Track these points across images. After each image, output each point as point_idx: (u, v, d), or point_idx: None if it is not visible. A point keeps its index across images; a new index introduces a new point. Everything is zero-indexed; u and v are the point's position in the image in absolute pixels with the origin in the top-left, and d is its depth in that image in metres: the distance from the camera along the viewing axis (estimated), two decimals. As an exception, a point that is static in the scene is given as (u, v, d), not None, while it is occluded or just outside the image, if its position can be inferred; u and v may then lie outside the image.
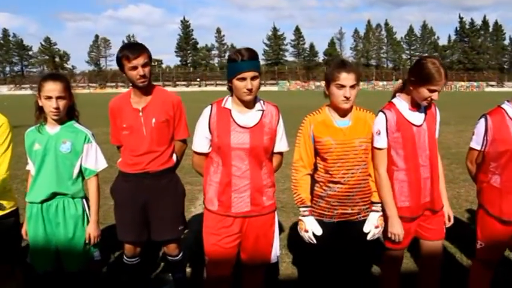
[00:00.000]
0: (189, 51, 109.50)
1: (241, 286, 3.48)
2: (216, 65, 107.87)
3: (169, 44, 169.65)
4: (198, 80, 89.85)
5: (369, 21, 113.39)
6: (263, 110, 3.12)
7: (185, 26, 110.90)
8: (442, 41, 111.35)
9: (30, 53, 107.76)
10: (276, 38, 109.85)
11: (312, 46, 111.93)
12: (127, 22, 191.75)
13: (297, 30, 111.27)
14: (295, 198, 3.29)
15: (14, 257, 3.37)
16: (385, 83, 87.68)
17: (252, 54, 2.97)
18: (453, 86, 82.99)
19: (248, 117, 3.09)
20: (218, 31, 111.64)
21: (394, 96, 3.36)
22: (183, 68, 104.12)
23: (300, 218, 3.28)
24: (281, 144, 3.22)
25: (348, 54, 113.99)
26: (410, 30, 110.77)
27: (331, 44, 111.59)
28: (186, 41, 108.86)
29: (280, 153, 3.30)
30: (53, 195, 3.28)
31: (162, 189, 3.57)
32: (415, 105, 3.24)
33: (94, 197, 3.40)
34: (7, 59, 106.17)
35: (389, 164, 3.26)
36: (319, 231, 3.21)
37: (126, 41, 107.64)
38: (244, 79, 2.93)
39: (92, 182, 3.42)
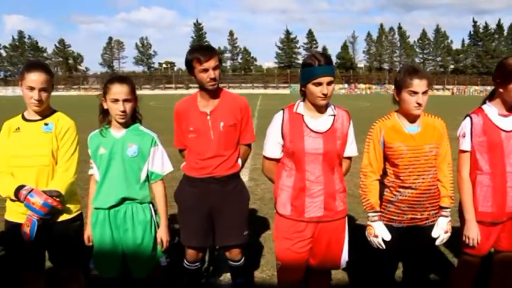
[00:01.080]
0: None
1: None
2: (228, 67, 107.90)
3: (182, 46, 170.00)
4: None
5: (381, 25, 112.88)
6: (335, 115, 3.13)
7: (198, 28, 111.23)
8: (456, 45, 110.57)
9: (45, 54, 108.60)
10: (288, 41, 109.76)
11: (324, 49, 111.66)
12: (139, 25, 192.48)
13: (310, 34, 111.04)
14: (364, 203, 3.29)
15: (78, 261, 3.38)
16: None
17: (328, 59, 2.99)
18: (466, 90, 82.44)
19: (320, 122, 3.10)
20: (231, 34, 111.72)
21: (484, 103, 3.37)
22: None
23: (369, 223, 3.28)
24: (351, 149, 3.23)
25: (360, 57, 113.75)
26: (423, 34, 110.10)
27: (344, 47, 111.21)
28: (198, 44, 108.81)
29: (350, 158, 3.31)
30: (122, 201, 3.23)
31: (228, 195, 3.56)
32: (508, 111, 3.25)
33: (162, 201, 3.35)
34: (22, 60, 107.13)
35: (473, 168, 3.27)
36: (388, 237, 3.21)
37: (139, 44, 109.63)
38: (320, 84, 2.95)
39: (159, 186, 3.36)
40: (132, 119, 3.33)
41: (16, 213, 3.17)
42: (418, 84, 3.09)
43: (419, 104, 3.10)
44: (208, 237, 3.63)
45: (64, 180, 3.17)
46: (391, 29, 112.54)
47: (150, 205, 3.33)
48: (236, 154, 3.62)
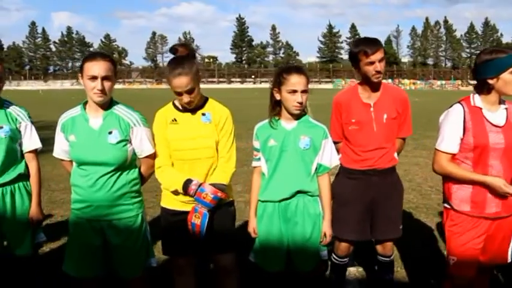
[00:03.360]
0: (244, 48, 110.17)
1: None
2: (271, 62, 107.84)
3: (222, 41, 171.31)
4: (253, 77, 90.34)
5: (427, 19, 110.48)
6: (506, 108, 3.02)
7: (240, 23, 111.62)
8: (506, 38, 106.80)
9: (91, 49, 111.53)
10: (331, 35, 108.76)
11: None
12: (180, 20, 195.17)
13: (353, 28, 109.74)
14: None
15: (236, 247, 3.29)
16: (443, 82, 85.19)
17: None
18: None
19: (497, 116, 2.98)
20: (273, 28, 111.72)
21: None
22: (237, 64, 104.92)
23: None
24: None
25: (404, 52, 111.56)
26: (471, 27, 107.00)
27: (388, 41, 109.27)
28: (241, 38, 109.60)
29: None
30: (294, 194, 3.16)
31: (389, 187, 3.49)
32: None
33: (328, 195, 3.27)
34: (70, 55, 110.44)
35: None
36: None
37: (182, 38, 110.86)
38: None
39: (325, 179, 3.27)
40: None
41: (176, 201, 3.14)
42: None
43: None
44: (365, 230, 3.56)
45: (227, 171, 3.13)
46: (437, 22, 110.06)
47: (318, 198, 3.26)
48: (394, 147, 3.54)
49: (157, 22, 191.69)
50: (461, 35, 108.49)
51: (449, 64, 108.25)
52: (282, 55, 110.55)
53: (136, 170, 3.15)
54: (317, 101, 14.27)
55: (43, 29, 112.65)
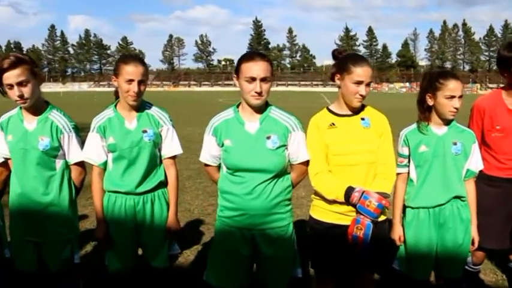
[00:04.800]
0: (261, 51, 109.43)
1: None
2: (288, 65, 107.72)
3: (237, 44, 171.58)
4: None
5: (444, 22, 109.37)
6: None
7: (257, 26, 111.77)
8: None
9: (108, 52, 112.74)
10: (348, 39, 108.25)
11: (384, 47, 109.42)
12: (194, 23, 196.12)
13: (370, 31, 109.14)
14: None
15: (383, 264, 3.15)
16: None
17: None
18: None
19: None
20: (290, 31, 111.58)
21: None
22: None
23: None
24: None
25: (422, 55, 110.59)
26: (490, 30, 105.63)
27: (405, 45, 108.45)
28: (258, 41, 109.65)
29: None
30: (450, 199, 3.09)
31: None
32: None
33: (475, 200, 3.23)
34: (88, 57, 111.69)
35: None
36: None
37: (199, 41, 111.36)
38: None
39: (471, 184, 3.22)
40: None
41: (330, 212, 2.93)
42: None
43: None
44: (506, 239, 3.47)
45: (390, 179, 2.95)
46: (455, 25, 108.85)
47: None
48: None
49: (172, 25, 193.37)
50: (480, 38, 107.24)
51: (467, 67, 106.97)
52: (299, 58, 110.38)
53: (290, 176, 2.99)
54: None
55: (61, 32, 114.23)
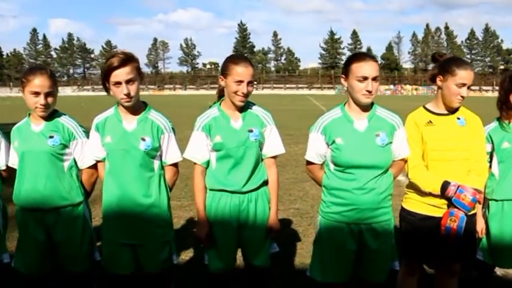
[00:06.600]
0: (246, 55, 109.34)
1: None
2: (273, 68, 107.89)
3: (223, 47, 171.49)
4: (255, 83, 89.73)
5: (427, 25, 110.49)
6: None
7: (242, 29, 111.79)
8: (506, 44, 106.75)
9: (92, 55, 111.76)
10: (333, 42, 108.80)
11: (369, 50, 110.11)
12: (177, 26, 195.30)
13: (354, 34, 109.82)
14: None
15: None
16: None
17: None
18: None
19: None
20: (275, 34, 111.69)
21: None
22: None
23: None
24: None
25: (406, 58, 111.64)
26: (472, 33, 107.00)
27: (389, 48, 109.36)
28: (243, 45, 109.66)
29: None
30: None
31: None
32: None
33: None
34: (71, 61, 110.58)
35: None
36: None
37: (183, 45, 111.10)
38: None
39: None
40: None
41: (424, 204, 3.16)
42: None
43: None
44: None
45: (482, 175, 3.20)
46: (438, 29, 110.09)
47: None
48: None
49: (154, 29, 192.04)
50: (461, 41, 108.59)
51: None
52: (284, 61, 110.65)
53: (391, 172, 3.11)
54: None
55: (44, 36, 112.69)
